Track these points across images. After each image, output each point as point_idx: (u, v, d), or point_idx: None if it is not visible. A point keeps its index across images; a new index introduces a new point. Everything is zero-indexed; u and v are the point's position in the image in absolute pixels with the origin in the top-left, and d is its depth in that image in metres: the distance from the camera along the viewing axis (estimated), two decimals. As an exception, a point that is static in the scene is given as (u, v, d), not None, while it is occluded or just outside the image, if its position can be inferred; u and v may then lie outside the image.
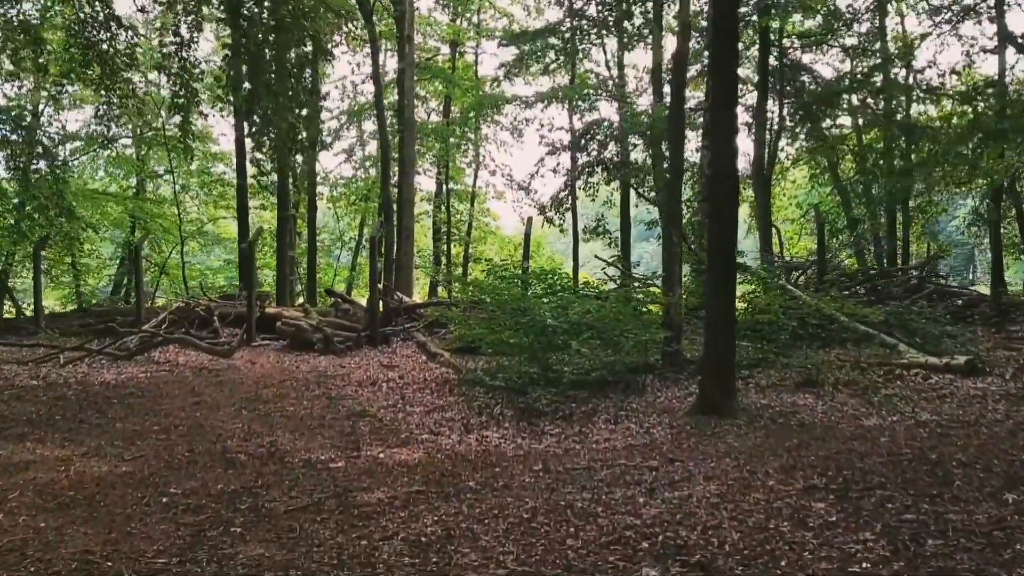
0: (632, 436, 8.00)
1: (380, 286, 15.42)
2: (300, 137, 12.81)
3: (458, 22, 28.13)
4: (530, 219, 16.46)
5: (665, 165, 12.81)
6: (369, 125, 29.76)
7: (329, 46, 16.20)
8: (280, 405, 9.60)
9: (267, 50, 11.33)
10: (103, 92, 13.82)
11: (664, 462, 6.25)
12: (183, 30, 12.15)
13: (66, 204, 17.93)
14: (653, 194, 15.57)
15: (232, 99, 11.71)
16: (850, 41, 22.12)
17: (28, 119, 18.75)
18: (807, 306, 12.70)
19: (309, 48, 12.66)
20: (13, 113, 18.07)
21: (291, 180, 20.47)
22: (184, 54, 12.27)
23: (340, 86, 29.40)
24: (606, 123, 13.50)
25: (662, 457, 6.50)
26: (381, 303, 15.68)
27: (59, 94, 14.04)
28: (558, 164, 16.94)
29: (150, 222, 27.78)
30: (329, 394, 10.54)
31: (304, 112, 12.45)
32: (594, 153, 14.75)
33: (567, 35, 20.32)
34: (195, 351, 13.90)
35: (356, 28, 17.95)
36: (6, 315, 19.08)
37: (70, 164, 30.20)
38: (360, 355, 14.46)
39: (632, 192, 20.47)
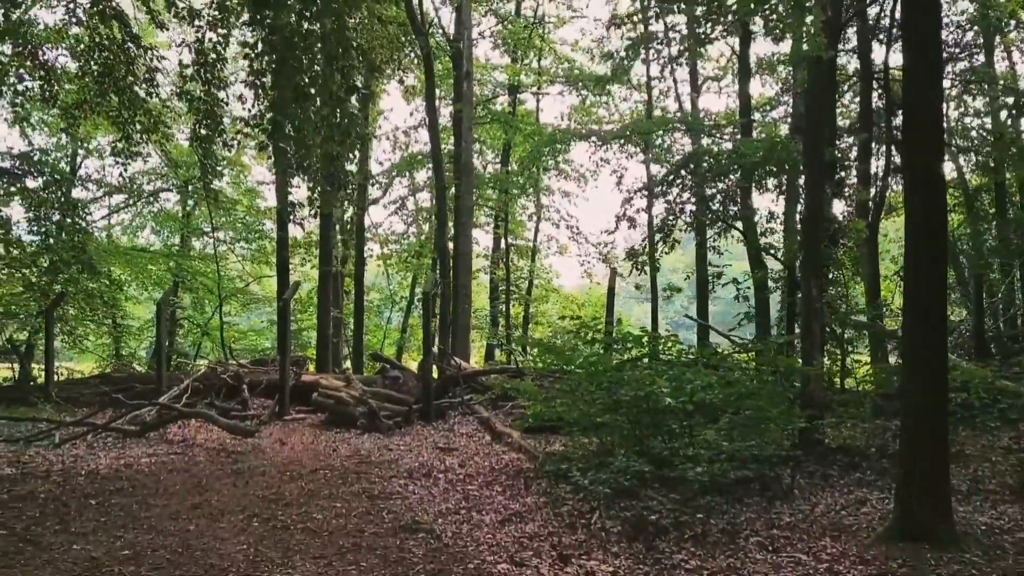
0: (810, 576, 5.41)
1: (435, 350, 13.07)
2: (342, 171, 10.67)
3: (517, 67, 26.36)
4: (613, 271, 14.12)
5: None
6: (422, 176, 27.93)
7: (380, 81, 14.22)
8: (305, 510, 7.20)
9: (306, 63, 9.26)
10: (121, 126, 11.99)
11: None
12: (206, 45, 10.21)
13: (87, 259, 16.12)
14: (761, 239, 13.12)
15: (267, 132, 9.57)
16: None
17: (61, 170, 17.13)
18: (975, 376, 9.96)
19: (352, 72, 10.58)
20: (45, 164, 16.44)
21: (334, 226, 18.45)
22: (207, 75, 10.32)
23: (391, 136, 27.69)
24: (708, 159, 11.18)
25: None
26: (436, 370, 13.33)
27: (71, 127, 12.12)
28: (637, 211, 14.60)
29: (190, 280, 26.15)
30: (371, 491, 8.12)
31: (348, 141, 10.31)
32: (685, 194, 12.35)
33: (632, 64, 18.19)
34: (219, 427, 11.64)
35: (408, 49, 15.96)
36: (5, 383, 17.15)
37: (111, 219, 29.07)
38: (411, 434, 12.07)
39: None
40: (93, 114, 12.21)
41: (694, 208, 11.67)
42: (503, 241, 25.66)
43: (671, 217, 12.44)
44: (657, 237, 12.82)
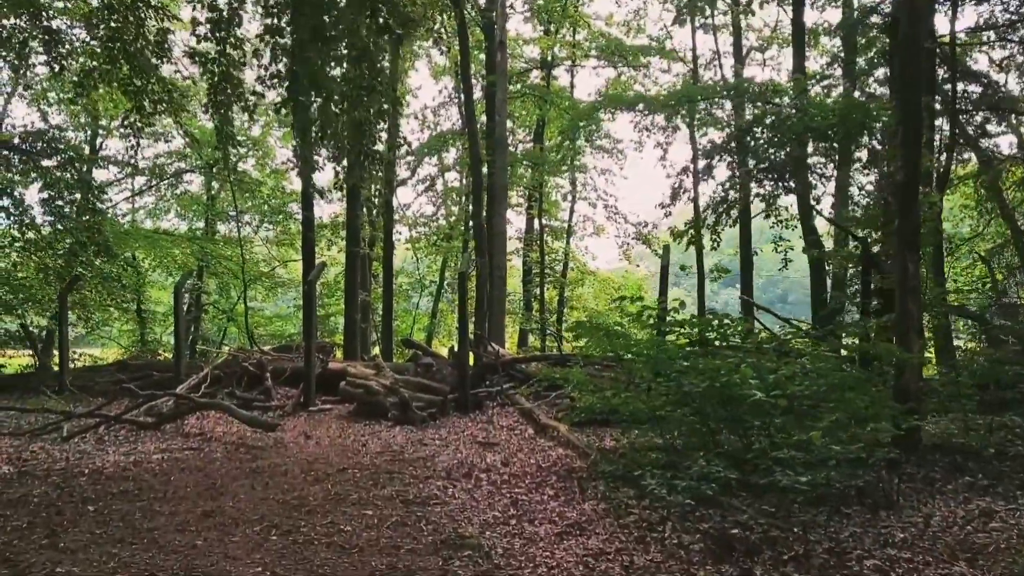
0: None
1: (471, 335, 12.08)
2: (373, 138, 9.65)
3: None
4: (667, 247, 12.95)
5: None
6: (451, 157, 26.90)
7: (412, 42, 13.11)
8: (331, 520, 6.23)
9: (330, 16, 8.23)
10: (133, 95, 11.08)
11: None
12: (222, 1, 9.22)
13: (103, 240, 15.30)
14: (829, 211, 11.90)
15: (285, 84, 8.58)
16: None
17: (76, 147, 16.30)
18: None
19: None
20: (59, 141, 15.61)
21: (362, 205, 17.46)
22: (222, 32, 9.33)
23: (420, 115, 26.67)
24: (772, 119, 9.99)
25: None
26: (472, 356, 12.34)
27: (78, 97, 11.21)
28: (706, 175, 13.34)
29: (215, 265, 25.36)
30: (406, 495, 7.15)
31: (377, 107, 9.28)
32: (750, 161, 11.09)
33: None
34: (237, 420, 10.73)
35: (441, 14, 14.87)
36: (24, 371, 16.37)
37: (134, 203, 28.35)
38: (447, 426, 11.09)
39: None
40: (103, 83, 11.30)
41: (759, 176, 10.49)
42: (536, 222, 24.55)
43: (731, 187, 11.23)
44: (719, 209, 11.65)
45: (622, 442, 9.91)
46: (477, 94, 20.65)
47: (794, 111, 9.89)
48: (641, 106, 14.48)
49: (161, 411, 11.69)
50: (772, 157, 10.22)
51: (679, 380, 6.79)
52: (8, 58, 13.56)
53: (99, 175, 24.05)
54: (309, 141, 9.26)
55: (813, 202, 12.57)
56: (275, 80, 8.55)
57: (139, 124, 11.47)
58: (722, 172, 13.02)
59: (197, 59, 9.84)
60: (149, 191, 26.66)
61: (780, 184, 10.72)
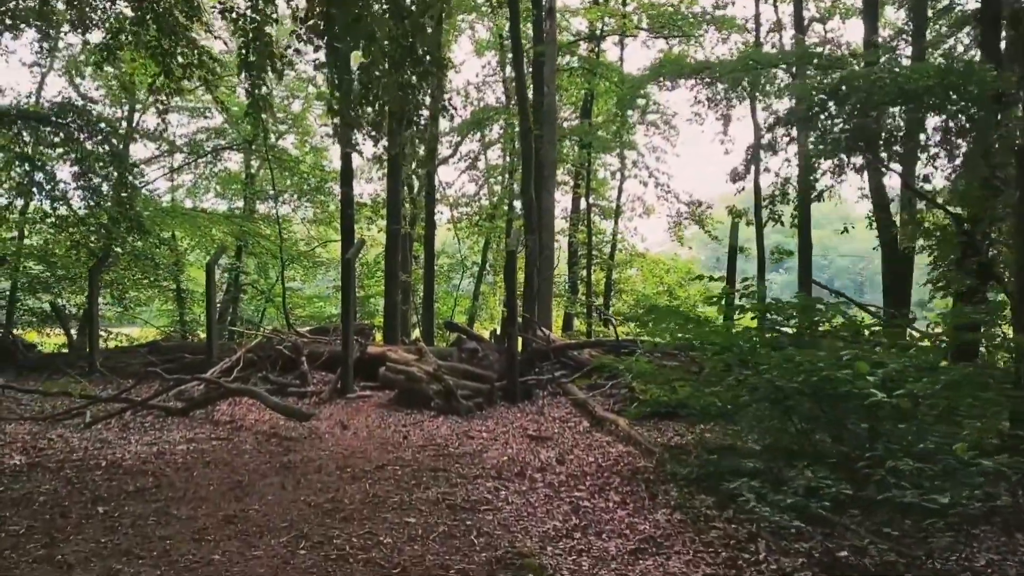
0: None
1: (519, 318, 11.20)
2: (417, 102, 8.78)
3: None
4: (735, 224, 11.92)
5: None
6: (494, 134, 25.94)
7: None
8: (370, 529, 5.42)
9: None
10: (160, 58, 10.33)
11: None
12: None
13: (136, 215, 14.69)
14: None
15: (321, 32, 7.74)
16: None
17: (108, 118, 15.69)
18: None
19: None
20: (89, 112, 15.01)
21: (403, 182, 16.62)
22: (253, -14, 8.51)
23: (463, 91, 25.74)
24: (860, 82, 8.85)
25: None
26: (520, 341, 11.46)
27: (105, 61, 10.49)
28: (787, 139, 12.22)
29: (253, 244, 24.81)
30: (452, 498, 6.31)
31: (422, 68, 8.40)
32: (837, 125, 9.95)
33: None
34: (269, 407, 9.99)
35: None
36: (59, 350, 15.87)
37: (173, 181, 27.91)
38: (494, 417, 10.24)
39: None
40: (130, 45, 10.57)
41: (848, 144, 9.38)
42: (583, 201, 23.52)
43: (818, 155, 10.08)
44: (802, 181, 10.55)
45: (687, 438, 9.02)
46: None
47: (886, 73, 8.80)
48: (704, 73, 13.37)
49: (192, 396, 11.06)
50: (864, 123, 9.12)
51: (769, 373, 5.83)
52: (34, 22, 12.93)
53: (137, 153, 23.81)
54: (348, 94, 8.40)
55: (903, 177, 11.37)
56: (312, 34, 7.70)
57: (168, 89, 10.72)
58: (790, 148, 11.92)
59: (227, 16, 9.04)
60: (187, 169, 26.13)
61: (872, 154, 9.60)
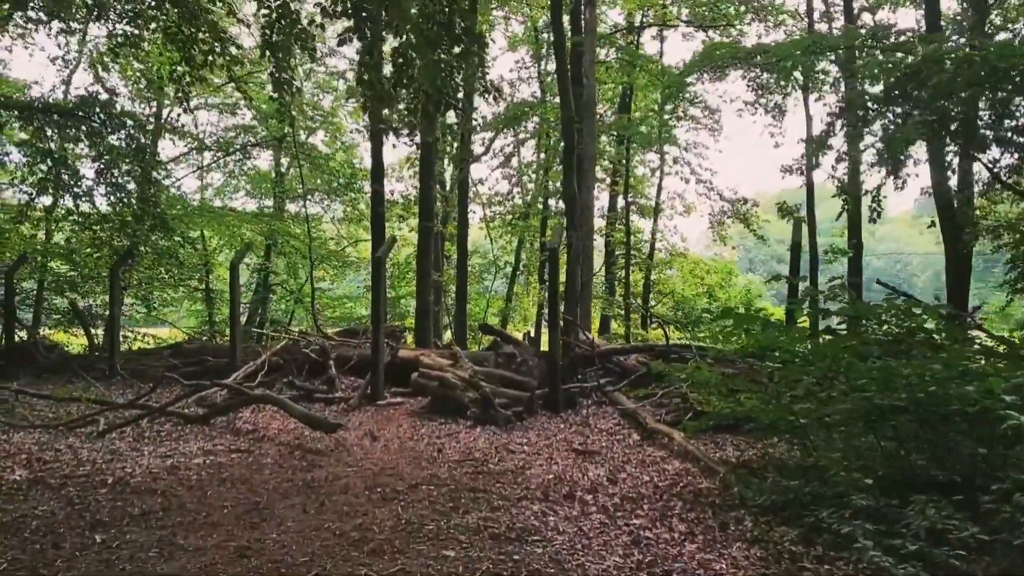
0: None
1: (561, 321, 10.41)
2: (451, 89, 8.03)
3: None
4: (798, 221, 10.99)
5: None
6: (528, 129, 25.14)
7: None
8: (402, 564, 4.67)
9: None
10: (181, 45, 9.72)
11: None
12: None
13: (160, 213, 14.15)
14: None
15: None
16: None
17: (132, 113, 15.15)
18: None
19: None
20: (113, 106, 14.48)
21: (436, 176, 15.88)
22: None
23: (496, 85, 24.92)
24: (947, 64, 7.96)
25: None
26: (561, 345, 10.66)
27: (121, 48, 9.90)
28: (859, 127, 11.30)
29: (283, 244, 24.33)
30: (496, 526, 5.54)
31: (459, 47, 7.67)
32: (914, 113, 9.02)
33: None
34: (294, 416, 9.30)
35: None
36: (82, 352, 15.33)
37: (203, 179, 27.56)
38: (535, 428, 9.46)
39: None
40: (148, 30, 9.97)
41: (933, 129, 8.49)
42: (621, 199, 22.65)
43: (899, 141, 9.12)
44: (873, 175, 9.65)
45: (749, 454, 8.19)
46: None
47: (975, 52, 7.88)
48: (762, 58, 12.43)
49: (213, 402, 10.44)
50: (947, 108, 8.22)
51: (866, 389, 4.99)
52: (56, 13, 12.41)
53: (166, 151, 23.42)
54: (380, 67, 7.69)
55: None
56: (338, 7, 6.99)
57: (189, 78, 10.11)
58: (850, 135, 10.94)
59: (250, -7, 8.38)
60: (216, 167, 25.71)
61: (955, 140, 8.70)
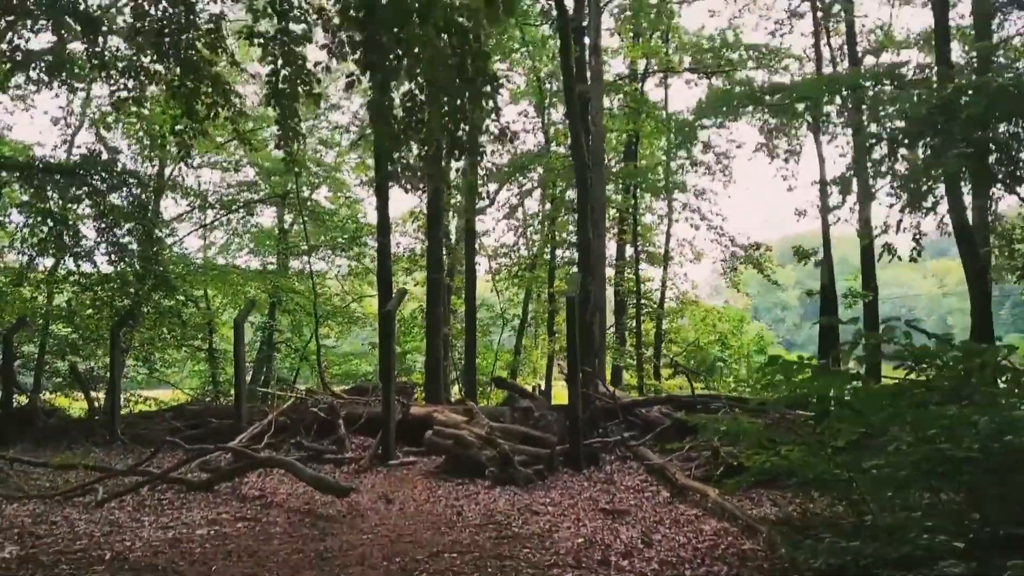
0: None
1: (580, 374, 9.97)
2: (474, 125, 7.75)
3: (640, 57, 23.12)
4: (828, 258, 10.63)
5: None
6: (532, 180, 24.97)
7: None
8: (430, 652, 4.19)
9: None
10: (183, 98, 9.49)
11: None
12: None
13: (161, 271, 13.84)
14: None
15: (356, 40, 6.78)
16: None
17: (134, 172, 14.95)
18: None
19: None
20: (115, 164, 14.29)
21: (445, 228, 15.57)
22: (283, 4, 7.62)
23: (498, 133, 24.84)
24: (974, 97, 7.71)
25: None
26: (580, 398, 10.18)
27: (122, 103, 9.67)
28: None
29: (287, 302, 23.96)
30: (528, 600, 5.06)
31: (473, 87, 7.40)
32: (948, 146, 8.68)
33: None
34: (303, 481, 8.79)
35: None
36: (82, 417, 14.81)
37: (206, 238, 27.31)
38: (558, 487, 8.94)
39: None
40: (149, 83, 9.76)
41: (964, 158, 8.17)
42: (634, 248, 22.34)
43: (931, 172, 8.80)
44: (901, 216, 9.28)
45: (786, 510, 7.68)
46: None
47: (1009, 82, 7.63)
48: (779, 96, 12.20)
49: (218, 466, 9.96)
50: (981, 139, 7.93)
51: (935, 440, 4.55)
52: (56, 74, 12.30)
53: (169, 210, 23.17)
54: (391, 103, 7.41)
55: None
56: (346, 48, 6.74)
57: (191, 132, 9.86)
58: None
59: (254, 42, 8.16)
60: (219, 225, 25.51)
61: (999, 168, 8.39)
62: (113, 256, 14.29)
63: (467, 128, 7.74)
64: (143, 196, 13.94)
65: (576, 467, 9.49)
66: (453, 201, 24.83)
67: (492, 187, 25.05)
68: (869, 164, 10.88)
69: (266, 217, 28.37)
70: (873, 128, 11.29)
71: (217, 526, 7.21)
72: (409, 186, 8.50)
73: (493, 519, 7.44)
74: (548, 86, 22.28)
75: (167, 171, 22.07)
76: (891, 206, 11.31)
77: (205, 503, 8.27)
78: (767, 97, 12.49)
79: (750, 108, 12.88)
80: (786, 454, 6.62)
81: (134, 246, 14.30)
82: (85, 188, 13.70)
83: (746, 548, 6.29)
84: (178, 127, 9.79)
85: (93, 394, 15.89)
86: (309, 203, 24.09)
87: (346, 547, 6.42)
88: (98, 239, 14.16)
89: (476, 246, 22.27)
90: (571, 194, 21.60)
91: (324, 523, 7.30)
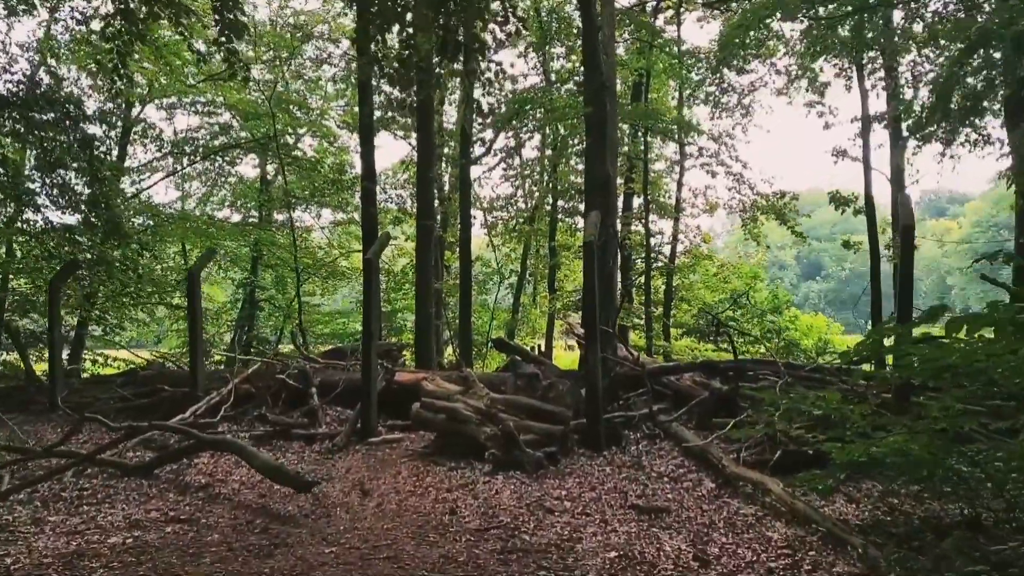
0: None
1: (599, 332, 8.25)
2: (452, 36, 5.97)
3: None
4: (905, 197, 8.94)
5: None
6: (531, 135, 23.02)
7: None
8: None
9: None
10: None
11: None
12: None
13: (112, 217, 12.06)
14: None
15: None
16: None
17: (77, 99, 12.97)
18: None
19: None
20: (56, 91, 12.40)
21: (436, 172, 13.75)
22: None
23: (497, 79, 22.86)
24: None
25: None
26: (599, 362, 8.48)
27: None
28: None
29: (269, 256, 22.17)
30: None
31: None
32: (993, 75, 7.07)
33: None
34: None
35: None
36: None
37: (185, 189, 25.38)
38: (575, 474, 7.29)
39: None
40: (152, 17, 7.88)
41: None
42: (643, 197, 20.45)
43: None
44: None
45: (867, 509, 6.09)
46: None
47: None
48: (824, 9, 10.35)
49: (167, 443, 8.34)
50: None
51: None
52: None
53: (137, 156, 21.20)
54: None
55: None
56: None
57: (128, 35, 8.02)
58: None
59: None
60: (195, 174, 23.54)
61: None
62: (61, 201, 12.51)
63: (464, 17, 5.96)
64: (88, 128, 12.03)
65: (595, 448, 7.84)
66: (447, 151, 22.99)
67: (488, 135, 23.15)
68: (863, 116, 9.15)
69: (247, 166, 26.42)
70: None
71: (139, 531, 5.56)
72: (392, 88, 6.68)
73: (496, 520, 5.81)
74: (546, 18, 20.26)
75: (134, 112, 20.12)
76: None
77: (136, 495, 6.62)
78: (816, 8, 10.64)
79: (788, 29, 11.03)
80: (896, 442, 4.99)
81: (82, 189, 12.51)
82: (22, 121, 11.83)
83: (838, 571, 4.68)
84: (109, 29, 7.91)
85: (29, 356, 14.09)
86: (294, 151, 22.18)
87: (304, 561, 4.79)
88: (41, 179, 12.36)
89: (471, 197, 20.43)
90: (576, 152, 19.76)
91: (279, 526, 5.66)
